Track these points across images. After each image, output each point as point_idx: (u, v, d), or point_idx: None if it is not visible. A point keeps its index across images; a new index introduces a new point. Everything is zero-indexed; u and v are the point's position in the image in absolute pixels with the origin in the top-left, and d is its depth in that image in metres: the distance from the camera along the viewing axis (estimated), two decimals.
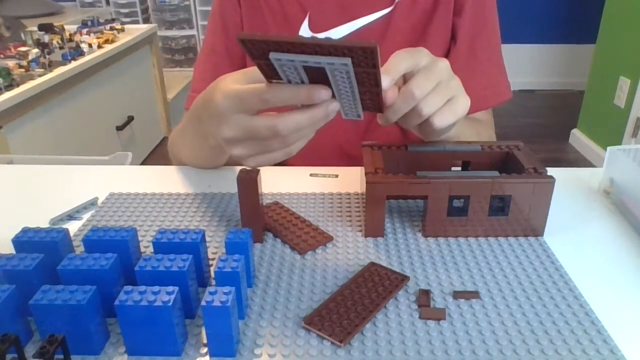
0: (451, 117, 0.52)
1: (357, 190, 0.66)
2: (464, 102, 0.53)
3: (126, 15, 3.43)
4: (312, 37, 0.41)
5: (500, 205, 0.53)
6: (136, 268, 0.42)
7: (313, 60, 0.39)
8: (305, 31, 0.79)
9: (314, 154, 0.86)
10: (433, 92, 0.50)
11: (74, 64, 1.80)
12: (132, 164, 0.92)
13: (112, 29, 2.27)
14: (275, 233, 0.56)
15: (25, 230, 0.47)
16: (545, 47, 3.57)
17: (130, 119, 2.30)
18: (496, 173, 0.53)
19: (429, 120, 0.51)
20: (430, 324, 0.43)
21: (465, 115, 0.54)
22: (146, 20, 3.51)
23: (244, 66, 0.85)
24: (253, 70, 0.49)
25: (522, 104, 3.43)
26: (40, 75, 1.63)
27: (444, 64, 0.52)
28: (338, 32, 0.78)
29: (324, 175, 0.70)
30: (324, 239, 0.54)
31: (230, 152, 0.50)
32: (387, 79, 0.47)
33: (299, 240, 0.54)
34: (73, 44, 1.95)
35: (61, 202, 0.63)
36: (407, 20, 0.76)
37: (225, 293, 0.38)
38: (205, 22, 2.67)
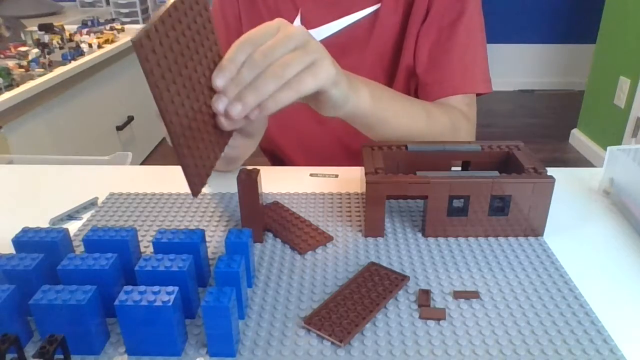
0: (321, 80, 0.48)
1: (357, 190, 0.66)
2: (327, 67, 0.49)
3: (126, 15, 3.42)
4: None
5: (500, 205, 0.53)
6: (136, 268, 0.42)
7: None
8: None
9: (312, 147, 0.86)
10: (292, 55, 0.46)
11: (74, 64, 1.80)
12: (132, 164, 0.92)
13: (112, 29, 2.27)
14: (275, 233, 0.56)
15: (25, 230, 0.47)
16: (545, 47, 3.57)
17: (130, 119, 2.29)
18: (496, 173, 0.53)
19: (285, 89, 0.46)
20: (430, 324, 0.43)
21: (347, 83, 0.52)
22: (146, 20, 3.51)
23: None
24: None
25: (522, 104, 3.43)
26: (40, 75, 1.63)
27: (300, 29, 0.48)
28: (329, 29, 0.79)
29: (324, 175, 0.70)
30: (324, 239, 0.54)
31: None
32: (222, 75, 0.45)
33: (299, 240, 0.54)
34: (73, 44, 1.95)
35: (61, 202, 0.63)
36: (394, 14, 0.77)
37: (225, 293, 0.38)
38: None
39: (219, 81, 0.45)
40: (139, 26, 2.58)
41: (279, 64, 0.46)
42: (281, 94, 0.46)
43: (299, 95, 0.47)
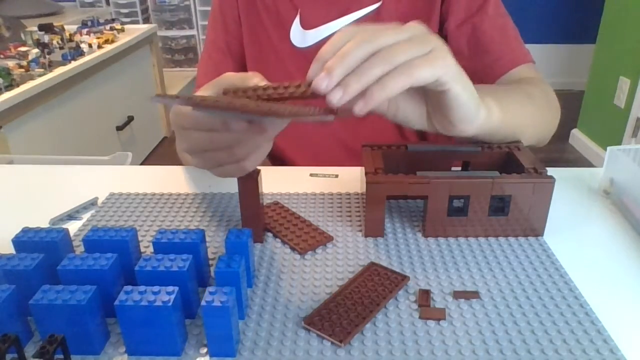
0: (439, 69, 0.44)
1: (357, 190, 0.65)
2: (446, 57, 0.45)
3: (126, 15, 3.43)
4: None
5: (500, 205, 0.53)
6: (136, 268, 0.42)
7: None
8: (297, 29, 0.80)
9: (312, 147, 0.86)
10: (406, 41, 0.42)
11: (74, 64, 1.80)
12: (132, 164, 0.92)
13: (112, 29, 2.27)
14: (275, 233, 0.56)
15: (25, 230, 0.47)
16: (545, 47, 3.57)
17: (130, 119, 2.29)
18: (496, 173, 0.53)
19: (395, 74, 0.42)
20: (430, 324, 0.43)
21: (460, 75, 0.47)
22: (146, 20, 3.51)
23: (244, 62, 0.85)
24: (225, 77, 0.49)
25: None
26: (40, 75, 1.63)
27: (420, 25, 0.45)
28: (329, 29, 0.79)
29: (324, 175, 0.70)
30: (324, 239, 0.54)
31: (192, 164, 0.52)
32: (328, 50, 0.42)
33: (299, 240, 0.54)
34: (73, 44, 1.95)
35: (61, 202, 0.63)
36: (395, 12, 0.77)
37: (225, 293, 0.38)
38: (205, 22, 2.67)
39: (323, 54, 0.42)
40: (139, 26, 2.58)
41: (388, 49, 0.41)
42: (390, 79, 0.41)
43: (412, 81, 0.42)
